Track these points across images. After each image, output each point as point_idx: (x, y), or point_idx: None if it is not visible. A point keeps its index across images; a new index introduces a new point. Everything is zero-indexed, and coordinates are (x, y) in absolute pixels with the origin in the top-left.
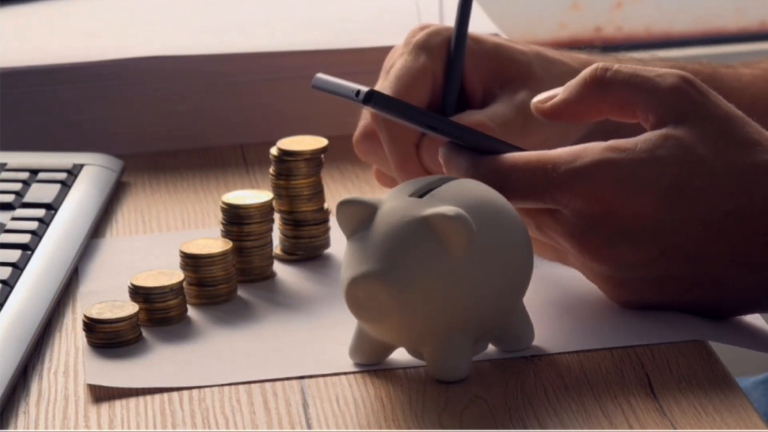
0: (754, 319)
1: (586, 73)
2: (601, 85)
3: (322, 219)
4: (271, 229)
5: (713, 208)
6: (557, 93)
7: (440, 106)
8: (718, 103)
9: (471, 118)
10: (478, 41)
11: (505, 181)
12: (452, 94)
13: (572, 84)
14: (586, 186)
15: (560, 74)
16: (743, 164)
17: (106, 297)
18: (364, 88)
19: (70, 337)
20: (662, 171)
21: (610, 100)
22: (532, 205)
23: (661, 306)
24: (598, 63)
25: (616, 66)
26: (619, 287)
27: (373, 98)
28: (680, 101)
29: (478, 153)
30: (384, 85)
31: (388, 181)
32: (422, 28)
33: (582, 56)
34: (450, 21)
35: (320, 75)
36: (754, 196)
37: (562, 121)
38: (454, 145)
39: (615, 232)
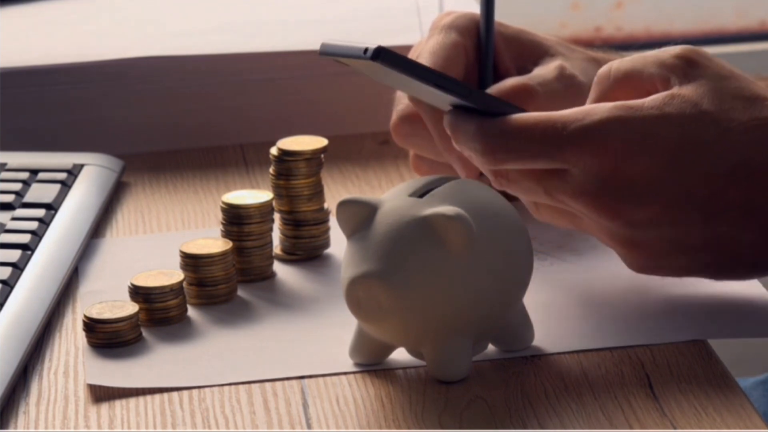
0: (754, 310)
1: (594, 79)
2: (609, 79)
3: (322, 219)
4: (271, 229)
5: (720, 160)
6: None
7: (476, 81)
8: (722, 64)
9: (512, 82)
10: (504, 25)
11: (514, 141)
12: (488, 58)
13: (589, 94)
14: (596, 143)
15: (582, 58)
16: (750, 117)
17: (106, 297)
18: (372, 45)
19: (70, 337)
20: (670, 128)
21: (624, 89)
22: (542, 165)
23: (677, 270)
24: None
25: (618, 59)
26: (635, 249)
27: (381, 54)
28: (685, 64)
29: (485, 116)
30: None
31: (426, 167)
32: (447, 14)
33: (597, 53)
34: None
35: (326, 41)
36: (762, 149)
37: None
38: (460, 111)
39: (625, 188)
